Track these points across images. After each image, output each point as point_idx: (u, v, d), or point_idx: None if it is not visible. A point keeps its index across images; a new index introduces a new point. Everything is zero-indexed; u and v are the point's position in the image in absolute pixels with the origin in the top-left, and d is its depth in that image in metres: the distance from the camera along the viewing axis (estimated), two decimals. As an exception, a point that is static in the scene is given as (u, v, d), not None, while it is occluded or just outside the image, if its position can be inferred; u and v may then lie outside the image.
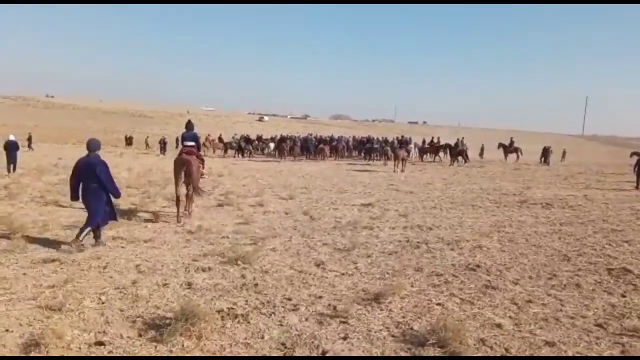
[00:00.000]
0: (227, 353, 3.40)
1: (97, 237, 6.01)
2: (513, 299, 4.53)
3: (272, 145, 30.83)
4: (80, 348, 3.40)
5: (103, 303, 4.18)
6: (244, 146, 29.84)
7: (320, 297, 4.47)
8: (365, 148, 28.40)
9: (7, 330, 3.61)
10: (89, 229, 5.84)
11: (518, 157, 28.22)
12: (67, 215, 7.82)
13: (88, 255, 5.52)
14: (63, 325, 3.64)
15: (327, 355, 3.40)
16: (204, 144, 26.78)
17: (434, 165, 24.33)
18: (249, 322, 3.87)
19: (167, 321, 3.69)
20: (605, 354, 3.52)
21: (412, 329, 3.84)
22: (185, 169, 8.04)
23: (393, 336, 3.70)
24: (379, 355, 3.42)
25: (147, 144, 34.39)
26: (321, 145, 27.49)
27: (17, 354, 3.31)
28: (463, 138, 26.67)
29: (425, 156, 28.36)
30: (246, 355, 3.38)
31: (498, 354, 3.46)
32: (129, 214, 8.16)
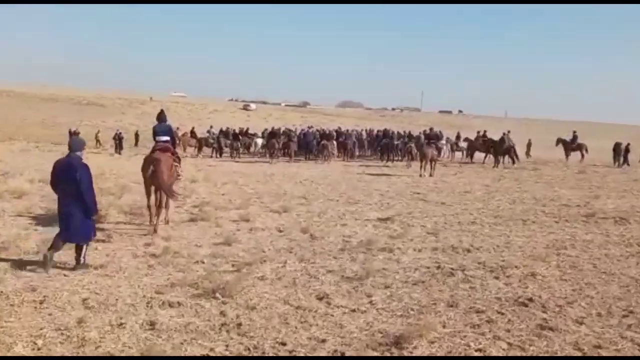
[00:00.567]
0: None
1: (78, 259, 6.34)
2: (577, 344, 4.51)
3: (259, 141, 30.90)
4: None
5: (39, 349, 4.19)
6: (224, 143, 29.95)
7: (324, 340, 4.47)
8: (382, 145, 28.46)
9: None
10: (84, 247, 6.35)
11: (583, 156, 28.20)
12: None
13: (20, 286, 5.54)
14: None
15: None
16: (174, 139, 26.97)
17: (472, 168, 24.34)
18: (230, 374, 3.87)
19: (124, 372, 3.69)
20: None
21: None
22: (153, 169, 8.26)
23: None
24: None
25: (97, 140, 34.53)
26: (324, 142, 27.48)
27: None
28: (509, 132, 26.69)
29: (459, 155, 28.41)
30: None
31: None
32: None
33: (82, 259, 6.35)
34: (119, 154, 29.24)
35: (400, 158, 28.30)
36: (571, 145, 28.90)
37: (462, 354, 4.27)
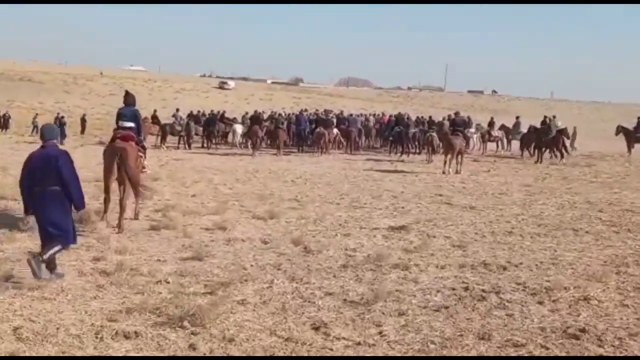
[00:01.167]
0: None
1: (51, 267, 6.57)
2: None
3: (239, 128, 30.85)
4: None
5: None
6: (195, 130, 29.90)
7: (321, 382, 4.46)
8: (395, 134, 28.46)
9: None
10: (57, 248, 6.57)
11: (650, 149, 28.27)
12: None
13: None
14: None
15: None
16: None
17: (509, 163, 24.38)
18: None
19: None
20: None
21: None
22: (119, 161, 8.84)
23: None
24: None
25: (35, 127, 34.48)
26: (320, 129, 27.44)
27: None
28: (554, 117, 26.74)
29: (493, 146, 28.37)
30: None
31: None
32: (3, 243, 8.16)
33: (46, 256, 6.47)
34: (61, 143, 29.13)
35: (417, 150, 28.34)
36: (635, 135, 28.94)
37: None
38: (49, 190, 6.52)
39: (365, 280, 7.03)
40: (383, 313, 5.90)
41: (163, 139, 29.41)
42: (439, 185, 16.52)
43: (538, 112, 38.72)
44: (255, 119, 28.53)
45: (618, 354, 5.07)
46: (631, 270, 7.73)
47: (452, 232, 9.94)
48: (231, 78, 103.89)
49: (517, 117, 31.27)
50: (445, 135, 22.28)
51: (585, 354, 5.04)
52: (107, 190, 9.53)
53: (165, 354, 4.85)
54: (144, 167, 10.21)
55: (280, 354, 4.91)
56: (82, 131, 35.47)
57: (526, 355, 4.99)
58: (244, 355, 4.86)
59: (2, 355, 4.72)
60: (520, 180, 18.14)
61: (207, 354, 4.84)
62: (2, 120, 32.13)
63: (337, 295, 6.42)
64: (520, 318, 5.86)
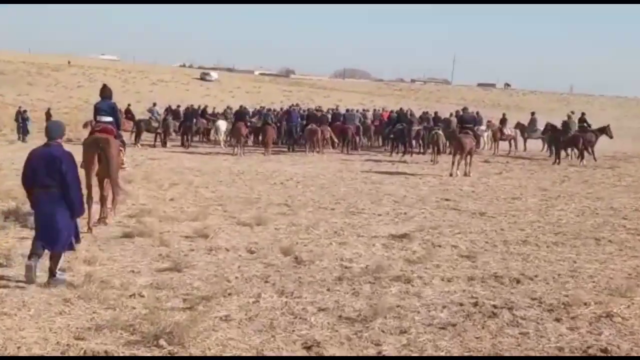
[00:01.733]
0: None
1: (52, 271, 6.94)
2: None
3: (222, 125, 30.82)
4: None
5: None
6: (173, 127, 29.84)
7: (314, 407, 4.46)
8: (397, 131, 28.48)
9: None
10: (63, 259, 7.05)
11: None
12: None
13: None
14: None
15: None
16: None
17: (524, 165, 24.43)
18: None
19: None
20: None
21: None
22: (101, 154, 9.28)
23: None
24: None
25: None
26: (313, 126, 27.47)
27: None
28: (573, 113, 26.83)
29: (505, 146, 28.41)
30: None
31: None
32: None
33: (57, 271, 6.94)
34: (24, 141, 29.05)
35: (422, 150, 28.38)
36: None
37: None
38: (50, 191, 6.89)
39: (362, 294, 7.02)
40: (382, 331, 5.89)
41: (138, 137, 29.33)
42: (446, 188, 16.54)
43: (556, 108, 38.80)
44: (241, 114, 28.46)
45: (644, 377, 5.09)
46: (658, 284, 7.75)
47: (459, 241, 9.95)
48: (214, 69, 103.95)
49: (533, 114, 31.39)
50: (453, 134, 22.26)
51: (608, 377, 5.06)
52: (88, 186, 9.66)
53: (139, 376, 4.84)
54: (123, 164, 10.54)
55: (268, 376, 4.91)
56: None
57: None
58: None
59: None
60: (535, 183, 18.20)
61: (186, 377, 4.84)
62: (19, 120, 31.49)
63: (332, 311, 6.41)
64: (535, 337, 5.87)
